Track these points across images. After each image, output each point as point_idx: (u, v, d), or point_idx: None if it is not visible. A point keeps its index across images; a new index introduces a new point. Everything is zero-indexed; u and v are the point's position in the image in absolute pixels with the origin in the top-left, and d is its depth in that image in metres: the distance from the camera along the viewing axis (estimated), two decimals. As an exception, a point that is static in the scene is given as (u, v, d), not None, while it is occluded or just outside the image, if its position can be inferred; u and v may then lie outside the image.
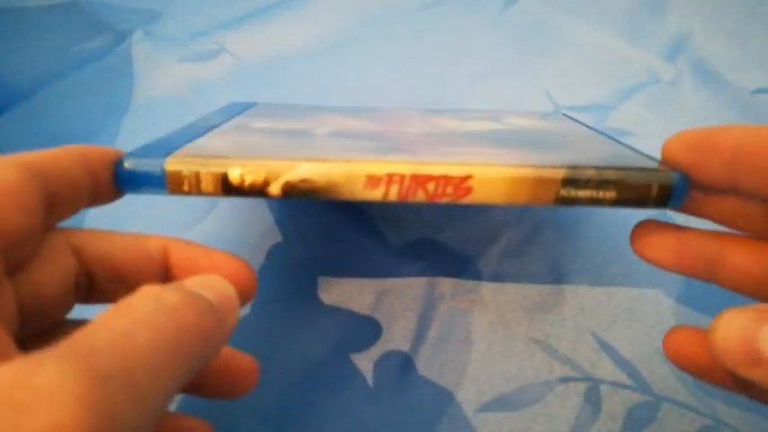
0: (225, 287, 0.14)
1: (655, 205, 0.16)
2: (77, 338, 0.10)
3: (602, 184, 0.16)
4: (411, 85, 0.33)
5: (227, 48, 0.35)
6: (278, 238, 0.27)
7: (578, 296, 0.26)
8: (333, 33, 0.35)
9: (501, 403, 0.23)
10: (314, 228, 0.27)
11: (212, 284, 0.14)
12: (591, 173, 0.16)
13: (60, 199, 0.14)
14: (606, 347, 0.24)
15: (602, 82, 0.33)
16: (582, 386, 0.23)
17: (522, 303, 0.25)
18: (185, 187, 0.16)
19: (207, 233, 0.27)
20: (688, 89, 0.32)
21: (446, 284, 0.26)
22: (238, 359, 0.17)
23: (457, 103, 0.32)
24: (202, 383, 0.17)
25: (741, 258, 0.17)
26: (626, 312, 0.25)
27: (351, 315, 0.25)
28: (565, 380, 0.24)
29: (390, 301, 0.26)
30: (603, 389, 0.23)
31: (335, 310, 0.25)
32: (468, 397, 0.23)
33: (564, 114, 0.28)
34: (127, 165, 0.16)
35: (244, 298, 0.16)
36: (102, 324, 0.11)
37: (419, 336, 0.25)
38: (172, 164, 0.16)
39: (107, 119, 0.32)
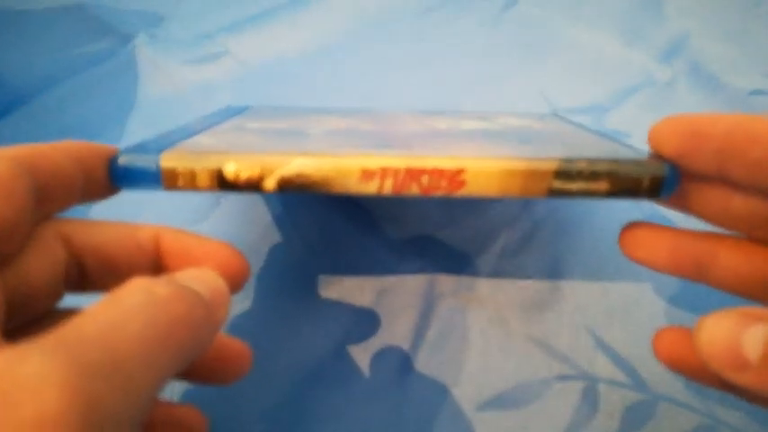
0: (216, 281, 0.14)
1: (646, 196, 0.16)
2: (65, 329, 0.10)
3: (594, 175, 0.16)
4: (411, 86, 0.33)
5: (231, 51, 0.35)
6: (278, 237, 0.27)
7: (576, 294, 0.26)
8: (335, 37, 0.36)
9: (499, 401, 0.23)
10: (314, 227, 0.28)
11: (203, 278, 0.14)
12: (583, 165, 0.16)
13: (51, 193, 0.14)
14: (603, 346, 0.24)
15: (599, 83, 0.33)
16: (579, 384, 0.23)
17: (521, 301, 0.26)
18: (180, 183, 0.16)
19: (208, 232, 0.27)
20: (684, 91, 0.32)
21: (445, 282, 0.26)
22: (230, 345, 0.17)
23: (455, 105, 0.32)
24: (193, 369, 0.17)
25: (730, 258, 0.17)
26: (623, 311, 0.25)
27: (351, 310, 0.25)
28: (562, 378, 0.24)
29: (390, 298, 0.26)
30: (601, 387, 0.23)
31: (336, 307, 0.25)
32: (466, 394, 0.23)
33: (558, 116, 0.29)
34: (122, 161, 0.16)
35: (235, 286, 0.16)
36: (91, 315, 0.10)
37: (418, 333, 0.25)
38: (167, 160, 0.16)
39: (110, 121, 0.32)
